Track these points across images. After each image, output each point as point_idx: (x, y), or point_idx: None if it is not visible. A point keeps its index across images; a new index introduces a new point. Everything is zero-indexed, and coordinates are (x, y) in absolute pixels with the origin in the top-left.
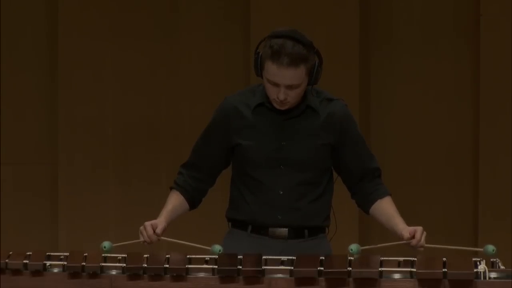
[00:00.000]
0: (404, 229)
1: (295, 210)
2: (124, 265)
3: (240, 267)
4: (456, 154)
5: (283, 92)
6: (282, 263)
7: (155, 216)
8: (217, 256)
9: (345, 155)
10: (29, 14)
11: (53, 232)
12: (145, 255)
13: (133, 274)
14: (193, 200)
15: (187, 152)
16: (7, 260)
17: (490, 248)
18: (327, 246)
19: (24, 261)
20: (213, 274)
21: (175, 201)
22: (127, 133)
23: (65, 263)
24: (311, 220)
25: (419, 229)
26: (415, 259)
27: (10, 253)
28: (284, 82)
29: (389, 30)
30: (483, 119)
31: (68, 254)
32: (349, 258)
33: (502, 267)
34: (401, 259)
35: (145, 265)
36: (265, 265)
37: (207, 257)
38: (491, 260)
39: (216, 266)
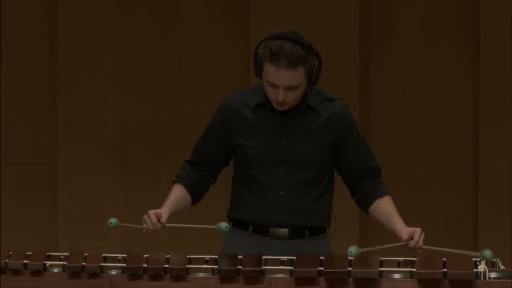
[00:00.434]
0: (403, 230)
1: (296, 210)
2: (124, 265)
3: (240, 267)
4: (456, 154)
5: (282, 93)
6: (282, 263)
7: None
8: (217, 256)
9: (345, 154)
10: (29, 14)
11: (53, 232)
12: (145, 255)
13: (133, 274)
14: (195, 194)
15: (187, 152)
16: (7, 260)
17: (487, 253)
18: (328, 247)
19: (24, 261)
20: (213, 274)
21: (178, 193)
22: (127, 133)
23: (65, 263)
24: (311, 220)
25: (417, 230)
26: (415, 259)
27: (10, 253)
28: (282, 83)
29: (389, 30)
30: (483, 119)
31: (68, 254)
32: (349, 258)
33: (502, 267)
34: (401, 259)
35: (145, 265)
36: (265, 265)
37: (207, 257)
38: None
39: (216, 266)
